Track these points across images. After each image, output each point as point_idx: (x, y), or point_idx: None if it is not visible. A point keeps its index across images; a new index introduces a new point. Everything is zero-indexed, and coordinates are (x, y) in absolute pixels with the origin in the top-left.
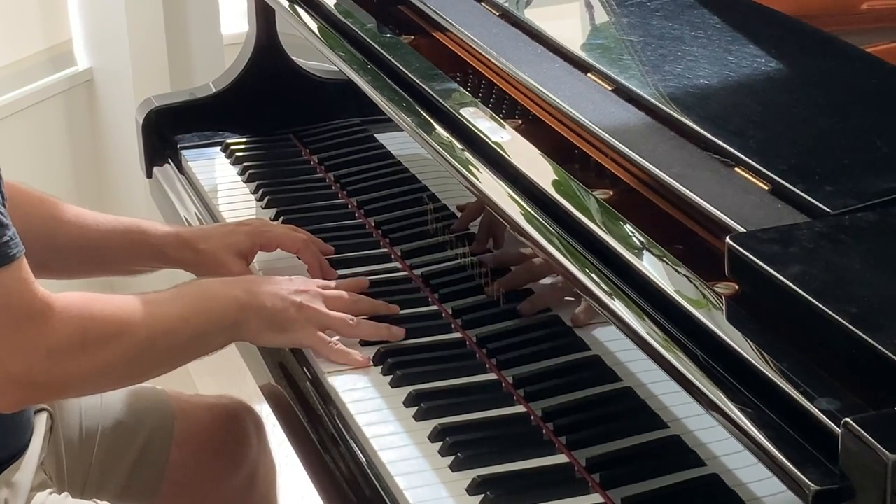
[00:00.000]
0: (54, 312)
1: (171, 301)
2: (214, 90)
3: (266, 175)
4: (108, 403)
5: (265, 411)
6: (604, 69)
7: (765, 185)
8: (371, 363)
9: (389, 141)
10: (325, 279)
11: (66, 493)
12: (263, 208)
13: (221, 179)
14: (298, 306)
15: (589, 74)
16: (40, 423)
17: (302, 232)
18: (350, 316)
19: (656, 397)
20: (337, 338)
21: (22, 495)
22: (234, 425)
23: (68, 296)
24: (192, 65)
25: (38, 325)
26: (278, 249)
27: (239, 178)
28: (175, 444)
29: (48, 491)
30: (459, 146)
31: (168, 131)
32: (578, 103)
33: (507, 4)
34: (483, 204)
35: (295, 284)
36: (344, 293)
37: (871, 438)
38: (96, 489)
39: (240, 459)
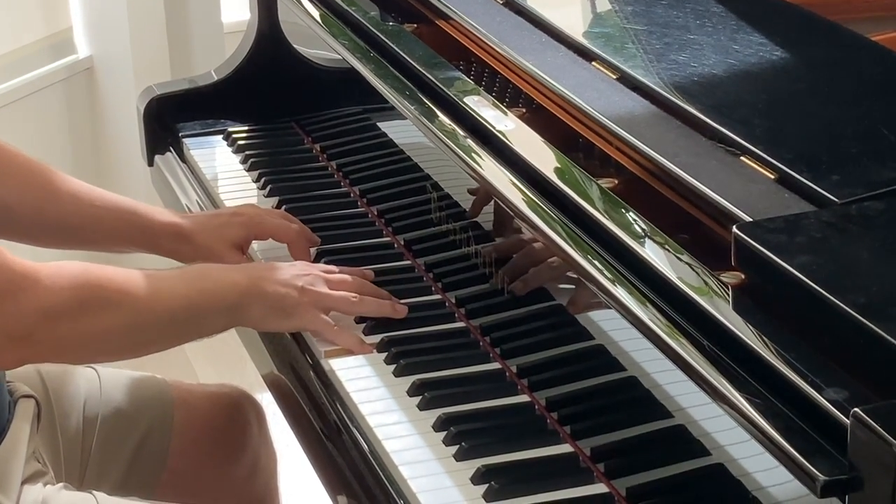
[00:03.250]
0: (40, 278)
1: (174, 279)
2: (216, 78)
3: (268, 163)
4: (107, 392)
5: (266, 400)
6: (608, 57)
7: (771, 174)
8: (374, 350)
9: (392, 129)
10: None
11: (62, 485)
12: (265, 197)
13: (223, 168)
14: (301, 290)
15: (593, 63)
16: (25, 411)
17: (296, 223)
18: (352, 294)
19: (661, 387)
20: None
21: (12, 489)
22: (235, 414)
23: (59, 263)
24: (193, 53)
25: (26, 291)
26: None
27: (241, 166)
28: (175, 432)
29: (42, 482)
30: (462, 134)
31: (169, 119)
32: (582, 92)
33: None
34: (486, 192)
35: (297, 269)
36: (347, 277)
37: (879, 428)
38: (96, 479)
39: (241, 448)
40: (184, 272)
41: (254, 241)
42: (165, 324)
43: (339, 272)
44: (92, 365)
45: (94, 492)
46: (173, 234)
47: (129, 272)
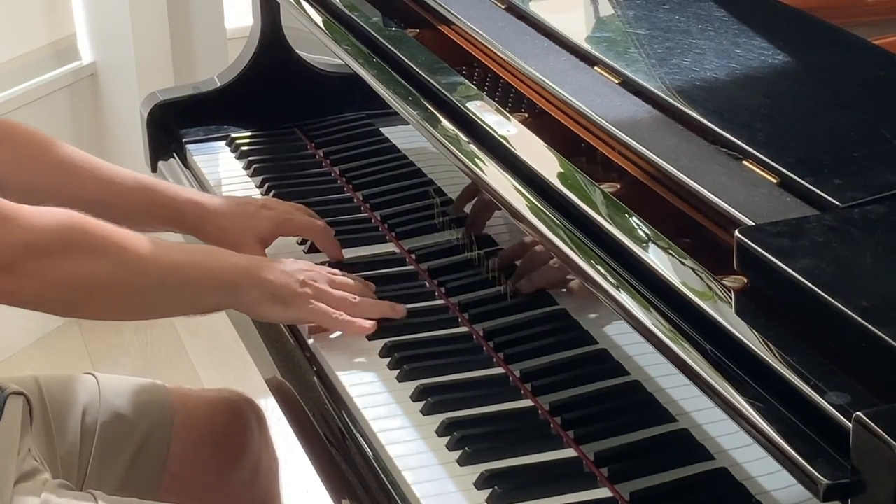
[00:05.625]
0: (23, 214)
1: (173, 247)
2: (219, 84)
3: (271, 169)
4: (106, 399)
5: (270, 405)
6: (610, 62)
7: (773, 178)
8: (375, 325)
9: (395, 134)
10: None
11: (59, 482)
12: None
13: (226, 174)
14: (301, 282)
15: (595, 67)
16: (14, 408)
17: (320, 220)
18: (352, 295)
19: (664, 391)
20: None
21: (5, 487)
22: (235, 418)
23: (44, 207)
24: (196, 59)
25: (8, 224)
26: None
27: (244, 172)
28: (175, 437)
29: (41, 480)
30: (465, 139)
31: (173, 125)
32: (585, 96)
33: None
34: (489, 197)
35: (301, 265)
36: (350, 280)
37: (882, 432)
38: (95, 484)
39: (241, 452)
40: (187, 244)
41: None
42: (154, 286)
43: (342, 276)
44: (92, 371)
45: (94, 492)
46: (199, 212)
47: (125, 230)
